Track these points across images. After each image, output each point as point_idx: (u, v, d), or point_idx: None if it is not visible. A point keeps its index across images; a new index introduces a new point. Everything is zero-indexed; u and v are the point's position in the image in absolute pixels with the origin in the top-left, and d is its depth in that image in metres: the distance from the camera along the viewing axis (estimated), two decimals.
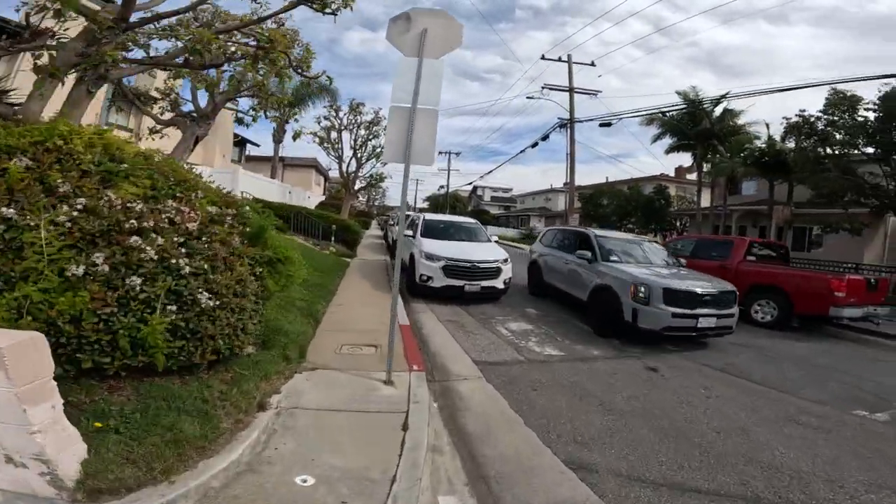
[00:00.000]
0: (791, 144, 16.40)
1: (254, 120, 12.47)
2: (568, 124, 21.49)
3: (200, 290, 2.74)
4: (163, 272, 2.66)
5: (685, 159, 24.49)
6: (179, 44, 10.36)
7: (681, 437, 3.86)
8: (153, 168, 3.06)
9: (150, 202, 2.86)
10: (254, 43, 7.71)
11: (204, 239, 2.93)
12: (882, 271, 12.65)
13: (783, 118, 13.91)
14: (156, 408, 2.79)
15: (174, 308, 2.67)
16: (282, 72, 12.18)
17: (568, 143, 22.98)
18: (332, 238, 14.55)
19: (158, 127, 12.25)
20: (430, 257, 8.27)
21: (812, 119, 12.82)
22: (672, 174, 33.08)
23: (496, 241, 10.55)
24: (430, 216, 10.85)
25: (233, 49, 8.76)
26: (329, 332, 5.71)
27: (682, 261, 8.42)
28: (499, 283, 8.58)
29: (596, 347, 6.39)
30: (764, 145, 17.43)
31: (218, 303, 2.85)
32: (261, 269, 3.51)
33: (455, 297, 8.35)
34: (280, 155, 32.66)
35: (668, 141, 22.41)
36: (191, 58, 6.39)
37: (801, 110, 13.22)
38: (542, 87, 22.09)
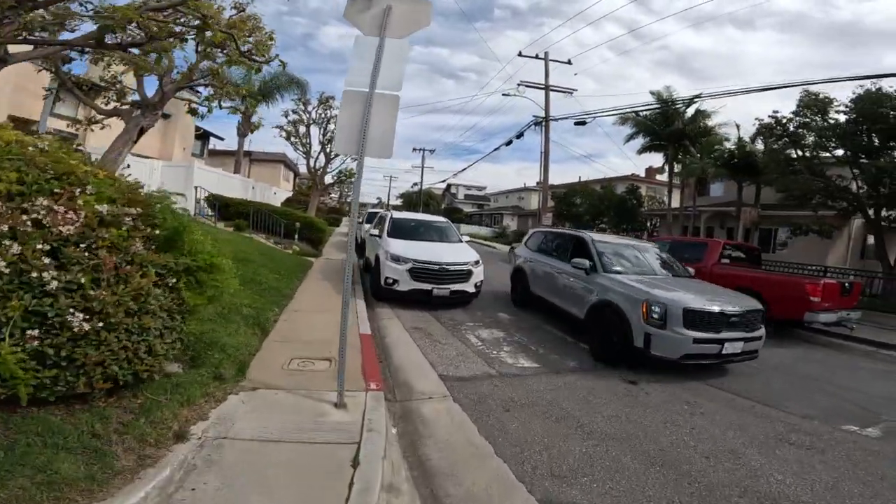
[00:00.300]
0: (760, 146, 16.57)
1: (209, 111, 11.62)
2: (543, 122, 21.23)
3: (72, 309, 2.12)
4: (18, 288, 2.03)
5: (657, 160, 24.67)
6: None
7: (668, 465, 3.45)
8: (23, 159, 2.40)
9: (16, 199, 2.22)
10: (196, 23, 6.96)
11: (84, 245, 2.29)
12: (851, 274, 12.84)
13: (756, 119, 13.95)
14: (26, 444, 2.27)
15: (36, 333, 2.05)
16: (239, 59, 11.36)
17: (542, 141, 22.77)
18: (297, 236, 13.77)
19: (99, 117, 11.25)
20: (396, 259, 7.71)
21: (784, 120, 12.86)
22: (643, 175, 33.50)
23: (468, 241, 10.02)
24: (397, 214, 10.26)
25: (178, 30, 7.99)
26: (279, 343, 5.09)
27: (690, 270, 7.44)
28: (469, 287, 8.08)
29: (571, 358, 5.96)
30: (734, 147, 17.57)
31: (101, 324, 2.24)
32: (175, 280, 2.88)
33: (423, 301, 7.81)
34: (247, 149, 31.37)
35: (640, 141, 22.48)
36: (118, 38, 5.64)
37: (774, 111, 13.25)
38: (519, 84, 21.77)
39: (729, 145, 18.11)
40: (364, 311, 6.93)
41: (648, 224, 23.56)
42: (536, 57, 21.64)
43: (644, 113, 20.86)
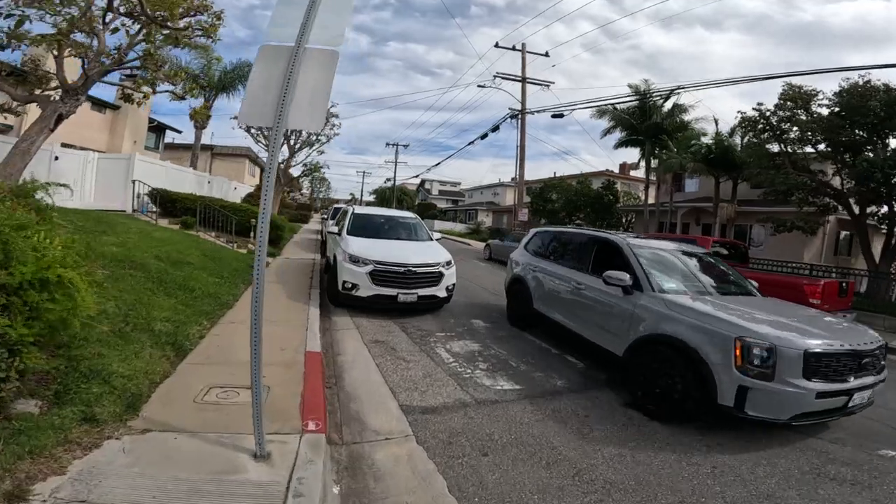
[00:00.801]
0: (738, 140, 16.21)
1: (145, 97, 10.43)
2: (519, 115, 20.48)
3: None
4: None
5: (633, 155, 24.29)
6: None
7: None
8: None
9: None
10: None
11: None
12: (833, 272, 12.53)
13: (738, 112, 13.47)
14: None
15: None
16: (179, 38, 10.15)
17: (518, 135, 22.06)
18: (252, 234, 12.54)
19: (14, 104, 9.89)
20: (355, 260, 6.69)
21: (768, 113, 12.42)
22: (617, 171, 33.26)
23: (440, 239, 9.03)
24: (360, 209, 9.24)
25: None
26: (199, 366, 4.05)
27: (753, 283, 5.57)
28: (440, 291, 7.14)
29: (558, 374, 5.11)
30: (711, 141, 17.20)
31: None
32: None
33: (387, 308, 6.84)
34: (207, 143, 29.61)
35: (617, 136, 21.97)
36: None
37: (758, 103, 12.81)
38: (495, 76, 20.98)
39: (706, 140, 17.75)
40: (317, 322, 5.91)
41: (624, 220, 23.12)
42: (514, 48, 20.90)
43: (621, 107, 20.36)
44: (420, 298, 6.86)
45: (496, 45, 20.74)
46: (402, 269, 6.72)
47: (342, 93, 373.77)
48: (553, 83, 21.63)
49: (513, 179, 50.24)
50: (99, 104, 24.80)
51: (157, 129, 29.15)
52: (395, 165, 55.69)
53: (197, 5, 9.78)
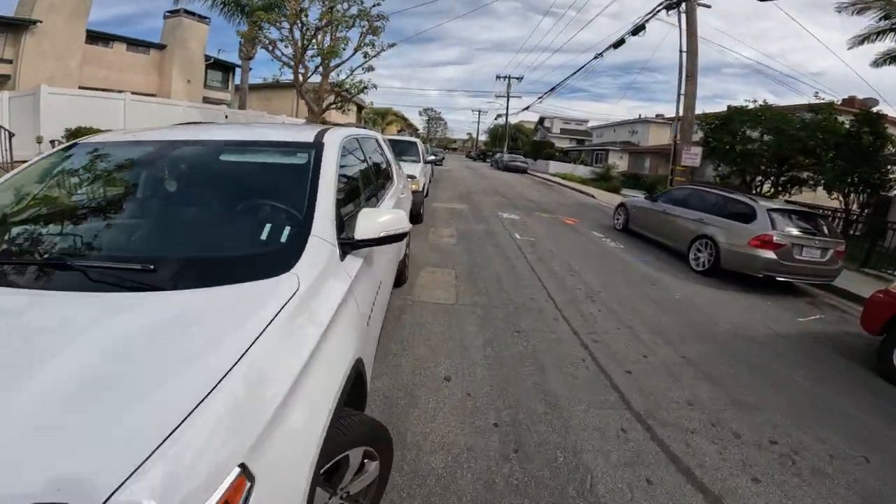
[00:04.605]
0: None
1: None
2: None
3: None
4: None
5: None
6: None
7: None
8: None
9: None
10: None
11: None
12: None
13: None
14: None
15: None
16: None
17: (681, 35, 13.05)
18: None
19: None
20: None
21: None
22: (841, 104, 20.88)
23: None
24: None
25: None
26: None
27: None
28: None
29: None
30: None
31: None
32: None
33: None
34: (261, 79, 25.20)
35: (889, 44, 11.49)
36: None
37: None
38: None
39: None
40: None
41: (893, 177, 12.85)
42: None
43: None
44: None
45: None
46: None
47: (458, 38, 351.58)
48: None
49: (659, 117, 38.22)
50: (136, 44, 21.38)
51: (224, 68, 25.39)
52: (507, 99, 47.23)
53: None
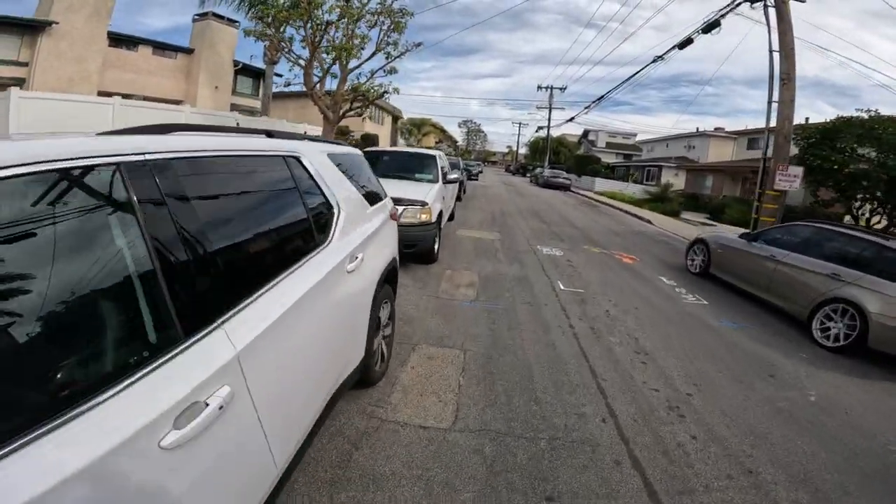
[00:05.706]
0: None
1: None
2: None
3: None
4: None
5: None
6: None
7: None
8: None
9: None
10: None
11: None
12: None
13: None
14: None
15: None
16: None
17: (770, 32, 10.57)
18: None
19: None
20: None
21: None
22: None
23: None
24: None
25: None
26: None
27: None
28: None
29: None
30: None
31: None
32: None
33: None
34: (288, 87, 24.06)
35: None
36: None
37: None
38: None
39: None
40: None
41: None
42: None
43: None
44: None
45: None
46: None
47: (502, 50, 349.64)
48: None
49: (718, 130, 34.46)
50: (162, 48, 20.67)
51: (254, 74, 24.56)
52: (549, 111, 44.80)
53: None
